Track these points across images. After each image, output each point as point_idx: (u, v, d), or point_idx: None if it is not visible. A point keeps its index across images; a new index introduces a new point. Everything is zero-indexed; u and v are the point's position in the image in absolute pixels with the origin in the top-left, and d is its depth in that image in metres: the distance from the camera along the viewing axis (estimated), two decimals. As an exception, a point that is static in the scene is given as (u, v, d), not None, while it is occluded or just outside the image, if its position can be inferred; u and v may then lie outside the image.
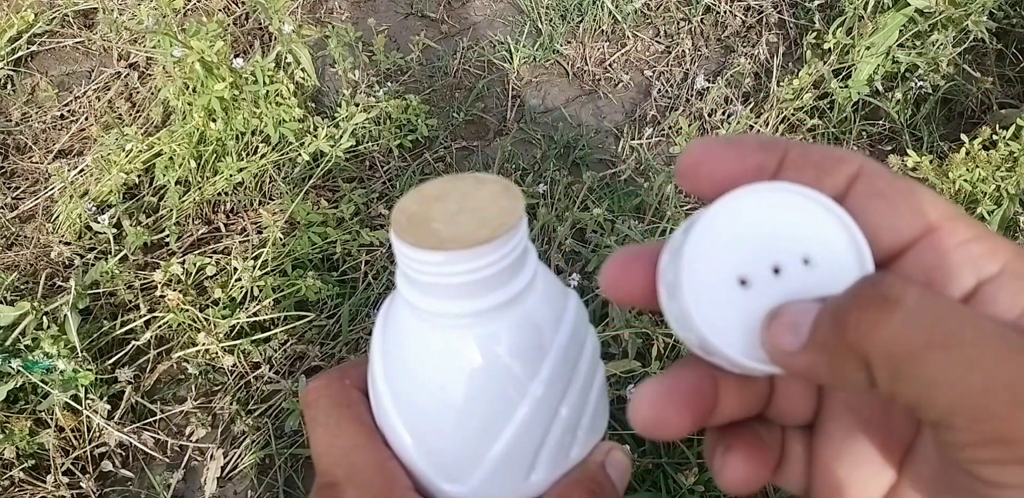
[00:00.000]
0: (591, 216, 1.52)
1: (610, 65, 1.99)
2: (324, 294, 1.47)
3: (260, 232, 1.59)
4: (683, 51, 1.99)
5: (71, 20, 2.05)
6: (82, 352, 1.38)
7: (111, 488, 1.33)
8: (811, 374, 0.22)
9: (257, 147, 1.70)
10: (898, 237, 0.23)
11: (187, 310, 1.40)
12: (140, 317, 1.46)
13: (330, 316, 1.49)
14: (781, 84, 1.78)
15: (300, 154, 1.66)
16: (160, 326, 1.44)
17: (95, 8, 2.05)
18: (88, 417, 1.34)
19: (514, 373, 0.28)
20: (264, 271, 1.48)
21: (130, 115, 1.87)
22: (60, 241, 1.62)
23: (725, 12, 2.05)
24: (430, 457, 0.29)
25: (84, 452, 1.33)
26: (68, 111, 1.91)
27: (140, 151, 1.67)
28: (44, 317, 1.40)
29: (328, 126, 1.71)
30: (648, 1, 2.07)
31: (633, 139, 1.80)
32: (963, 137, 1.56)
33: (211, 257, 1.52)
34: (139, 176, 1.68)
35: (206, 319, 1.41)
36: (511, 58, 1.98)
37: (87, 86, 1.94)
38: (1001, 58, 1.87)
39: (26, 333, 1.38)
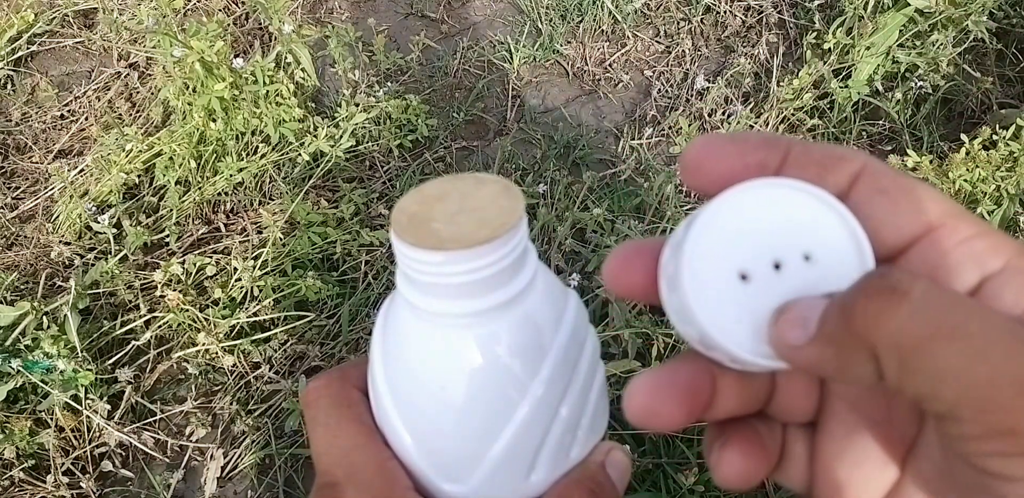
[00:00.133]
0: (591, 216, 1.52)
1: (610, 65, 1.99)
2: (324, 294, 1.47)
3: (260, 232, 1.59)
4: (683, 51, 1.99)
5: (71, 20, 2.05)
6: (82, 352, 1.38)
7: (111, 488, 1.33)
8: (818, 368, 0.22)
9: (257, 147, 1.70)
10: (901, 234, 0.23)
11: (187, 310, 1.40)
12: (140, 317, 1.46)
13: (330, 316, 1.49)
14: (781, 84, 1.78)
15: (300, 154, 1.66)
16: (160, 326, 1.44)
17: (95, 8, 2.05)
18: (88, 417, 1.34)
19: (514, 373, 0.28)
20: (264, 271, 1.48)
21: (130, 115, 1.87)
22: (60, 241, 1.62)
23: (725, 12, 2.05)
24: (430, 457, 0.29)
25: (84, 452, 1.33)
26: (68, 111, 1.91)
27: (140, 151, 1.67)
28: (44, 317, 1.40)
29: (328, 126, 1.71)
30: (648, 1, 2.07)
31: (633, 139, 1.80)
32: (963, 137, 1.56)
33: (211, 257, 1.52)
34: (139, 176, 1.68)
35: (206, 319, 1.41)
36: (511, 58, 1.98)
37: (87, 86, 1.94)
38: (1001, 58, 1.87)
39: (26, 333, 1.38)
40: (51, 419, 1.34)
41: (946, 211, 0.22)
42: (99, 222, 1.57)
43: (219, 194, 1.66)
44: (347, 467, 0.29)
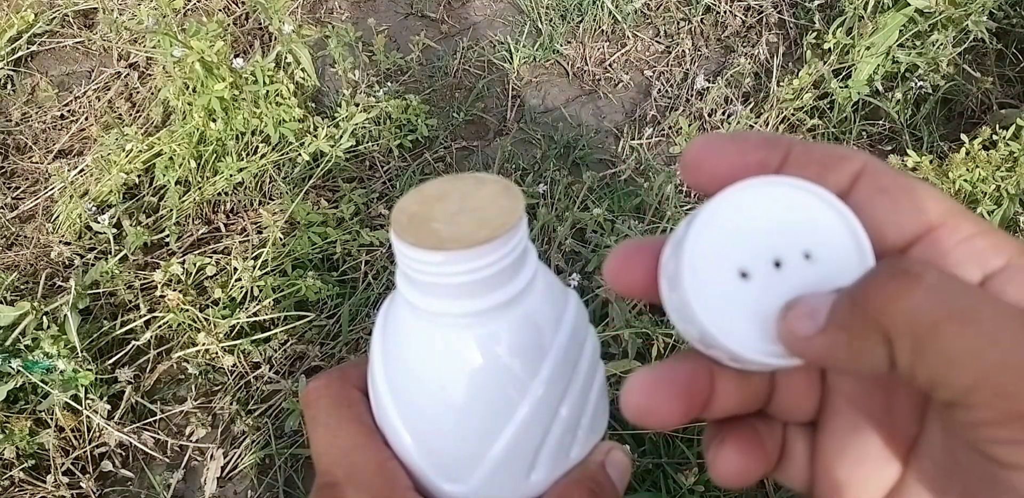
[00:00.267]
0: (591, 216, 1.52)
1: (610, 65, 1.99)
2: (324, 294, 1.47)
3: (260, 232, 1.59)
4: (683, 51, 1.99)
5: (71, 20, 2.05)
6: (82, 352, 1.38)
7: (111, 488, 1.33)
8: (830, 357, 0.22)
9: (257, 147, 1.70)
10: (902, 233, 0.23)
11: (187, 310, 1.40)
12: (140, 317, 1.46)
13: (330, 316, 1.49)
14: (781, 84, 1.78)
15: (300, 154, 1.66)
16: (160, 326, 1.44)
17: (95, 8, 2.05)
18: (88, 417, 1.34)
19: (514, 373, 0.28)
20: (264, 271, 1.48)
21: (130, 115, 1.87)
22: (60, 241, 1.62)
23: (725, 12, 2.05)
24: (430, 457, 0.29)
25: (84, 452, 1.33)
26: (68, 111, 1.91)
27: (140, 151, 1.67)
28: (44, 317, 1.40)
29: (328, 126, 1.71)
30: (648, 1, 2.07)
31: (633, 139, 1.80)
32: (963, 137, 1.56)
33: (211, 257, 1.52)
34: (139, 176, 1.68)
35: (206, 319, 1.41)
36: (511, 58, 1.98)
37: (87, 86, 1.94)
38: (1001, 58, 1.87)
39: (26, 333, 1.38)
40: (51, 419, 1.34)
41: (947, 210, 0.23)
42: (99, 222, 1.57)
43: (219, 194, 1.66)
44: (347, 467, 0.29)
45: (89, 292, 1.47)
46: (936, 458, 0.23)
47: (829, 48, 1.79)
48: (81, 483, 1.29)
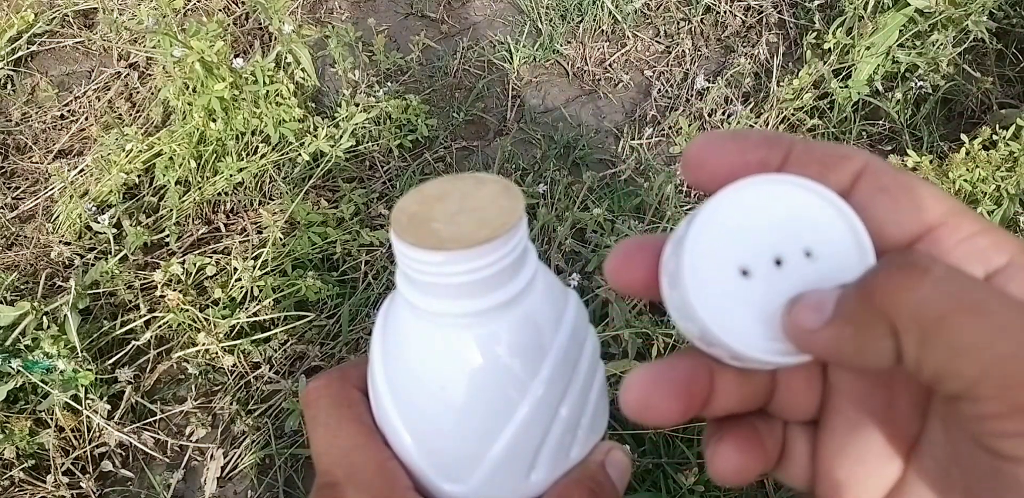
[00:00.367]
0: (591, 216, 1.52)
1: (610, 65, 1.99)
2: (324, 294, 1.47)
3: (260, 232, 1.59)
4: (683, 51, 1.99)
5: (71, 20, 2.05)
6: (82, 352, 1.38)
7: (111, 488, 1.33)
8: (836, 350, 0.22)
9: (257, 147, 1.70)
10: (904, 232, 0.23)
11: (187, 310, 1.40)
12: (140, 317, 1.46)
13: (330, 316, 1.49)
14: (781, 84, 1.78)
15: (300, 154, 1.66)
16: (160, 326, 1.44)
17: (95, 8, 2.05)
18: (88, 417, 1.34)
19: (514, 373, 0.28)
20: (264, 271, 1.48)
21: (130, 115, 1.87)
22: (60, 241, 1.62)
23: (725, 12, 2.05)
24: (430, 457, 0.29)
25: (84, 452, 1.33)
26: (68, 111, 1.91)
27: (140, 151, 1.67)
28: (44, 317, 1.40)
29: (328, 126, 1.71)
30: (648, 1, 2.07)
31: (633, 139, 1.80)
32: (963, 137, 1.56)
33: (211, 257, 1.52)
34: (139, 176, 1.68)
35: (206, 319, 1.41)
36: (511, 58, 1.98)
37: (87, 86, 1.94)
38: (1001, 58, 1.87)
39: (26, 333, 1.38)
40: (51, 419, 1.34)
41: (948, 209, 0.23)
42: (99, 222, 1.57)
43: (219, 194, 1.66)
44: (347, 467, 0.29)
45: (89, 292, 1.47)
46: (938, 456, 0.23)
47: (829, 48, 1.79)
48: (81, 483, 1.29)
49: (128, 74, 1.95)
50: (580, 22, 2.04)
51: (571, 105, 1.92)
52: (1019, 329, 0.19)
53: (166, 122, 1.80)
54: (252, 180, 1.66)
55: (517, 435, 0.28)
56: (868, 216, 0.23)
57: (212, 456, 1.35)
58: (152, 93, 1.86)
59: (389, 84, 1.85)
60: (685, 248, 0.23)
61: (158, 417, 1.38)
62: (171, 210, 1.63)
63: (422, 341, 0.28)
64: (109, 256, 1.54)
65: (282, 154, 1.68)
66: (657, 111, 1.87)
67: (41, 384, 1.33)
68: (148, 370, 1.44)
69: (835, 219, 0.23)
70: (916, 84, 1.76)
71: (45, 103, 1.91)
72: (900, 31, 1.74)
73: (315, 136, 1.69)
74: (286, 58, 1.76)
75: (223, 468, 1.34)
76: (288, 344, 1.43)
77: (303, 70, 1.78)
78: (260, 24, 2.00)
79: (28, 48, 1.99)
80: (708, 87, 1.85)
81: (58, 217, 1.65)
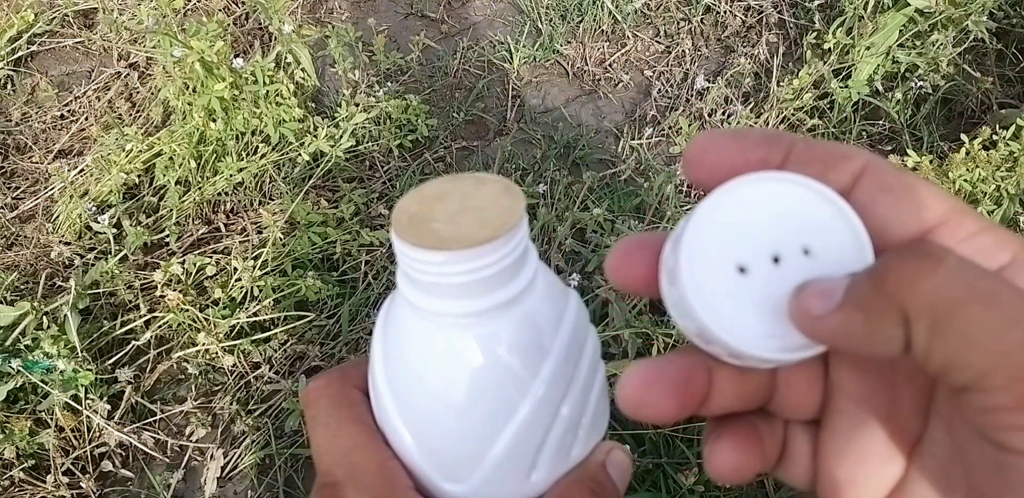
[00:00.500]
0: (591, 216, 1.52)
1: (610, 65, 1.99)
2: (324, 294, 1.47)
3: (260, 232, 1.59)
4: (683, 51, 1.99)
5: (71, 20, 2.05)
6: (82, 352, 1.38)
7: (111, 488, 1.33)
8: (844, 336, 0.22)
9: (257, 147, 1.70)
10: (906, 231, 0.23)
11: (187, 310, 1.40)
12: (140, 317, 1.46)
13: (330, 316, 1.49)
14: (781, 84, 1.78)
15: (300, 154, 1.66)
16: (160, 326, 1.44)
17: (95, 8, 2.05)
18: (88, 417, 1.34)
19: (515, 373, 0.28)
20: (264, 271, 1.48)
21: (130, 115, 1.87)
22: (60, 241, 1.62)
23: (725, 12, 2.05)
24: (431, 457, 0.29)
25: (84, 452, 1.33)
26: (68, 111, 1.91)
27: (140, 151, 1.67)
28: (44, 317, 1.40)
29: (328, 126, 1.71)
30: (648, 1, 2.07)
31: (633, 139, 1.80)
32: (963, 137, 1.56)
33: (211, 257, 1.52)
34: (139, 176, 1.68)
35: (206, 319, 1.41)
36: (511, 58, 1.98)
37: (87, 86, 1.94)
38: (1001, 58, 1.87)
39: (26, 333, 1.37)
40: (51, 419, 1.34)
41: (950, 208, 0.23)
42: (99, 222, 1.57)
43: (219, 194, 1.66)
44: (347, 467, 0.29)
45: (89, 292, 1.47)
46: (940, 455, 0.23)
47: (829, 48, 1.79)
48: (81, 483, 1.29)
49: (128, 74, 1.95)
50: (580, 22, 2.04)
51: (571, 105, 1.92)
52: None
53: (166, 122, 1.80)
54: (252, 180, 1.66)
55: (518, 435, 0.28)
56: (869, 215, 0.23)
57: (212, 456, 1.35)
58: (152, 93, 1.86)
59: (389, 84, 1.85)
60: (683, 245, 0.23)
61: (158, 417, 1.38)
62: (171, 210, 1.63)
63: (423, 341, 0.28)
64: (109, 256, 1.54)
65: (282, 154, 1.68)
66: (657, 111, 1.87)
67: (41, 384, 1.33)
68: (148, 370, 1.44)
69: (833, 217, 0.23)
70: (916, 84, 1.76)
71: (45, 103, 1.91)
72: (900, 31, 1.74)
73: (315, 136, 1.69)
74: (286, 58, 1.76)
75: (223, 468, 1.34)
76: (288, 344, 1.43)
77: (303, 70, 1.78)
78: (260, 24, 2.00)
79: (28, 48, 1.99)
80: (708, 87, 1.85)
81: (58, 217, 1.65)
